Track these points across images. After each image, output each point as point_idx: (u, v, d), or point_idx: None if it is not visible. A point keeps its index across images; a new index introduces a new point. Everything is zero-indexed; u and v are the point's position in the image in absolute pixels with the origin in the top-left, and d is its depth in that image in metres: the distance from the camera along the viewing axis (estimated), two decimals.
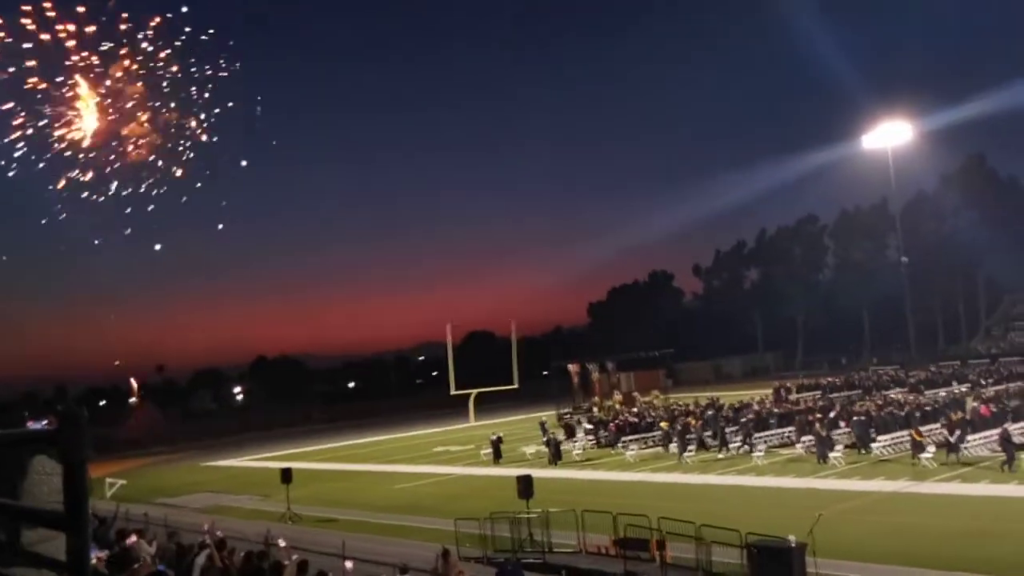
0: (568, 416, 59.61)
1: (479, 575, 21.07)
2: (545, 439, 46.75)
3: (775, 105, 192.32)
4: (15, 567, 2.13)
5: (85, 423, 1.64)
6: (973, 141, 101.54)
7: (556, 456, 43.21)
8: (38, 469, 2.73)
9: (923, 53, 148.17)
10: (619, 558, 21.23)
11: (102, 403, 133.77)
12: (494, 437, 46.70)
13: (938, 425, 35.67)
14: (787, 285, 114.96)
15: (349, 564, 17.76)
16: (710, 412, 47.74)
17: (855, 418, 38.68)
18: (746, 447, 38.90)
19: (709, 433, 43.56)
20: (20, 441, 2.62)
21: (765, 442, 39.85)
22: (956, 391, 48.99)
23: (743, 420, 42.63)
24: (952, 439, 32.56)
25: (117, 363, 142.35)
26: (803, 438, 37.67)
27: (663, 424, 45.75)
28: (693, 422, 45.31)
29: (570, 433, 50.59)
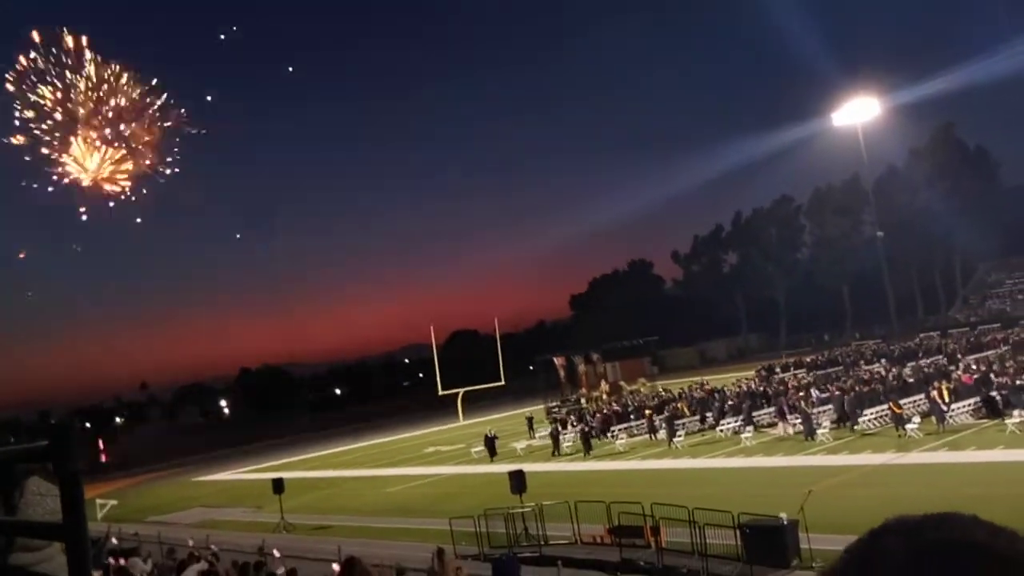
0: (556, 410, 59.73)
1: (476, 572, 21.12)
2: (551, 430, 47.19)
3: (742, 86, 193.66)
4: None
5: (77, 435, 1.68)
6: (941, 114, 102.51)
7: (556, 448, 43.54)
8: (32, 490, 2.75)
9: (889, 29, 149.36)
10: (615, 546, 21.36)
11: (87, 424, 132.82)
12: (489, 435, 46.64)
13: (922, 396, 36.03)
14: (766, 266, 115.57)
15: (336, 566, 17.75)
16: (697, 395, 48.05)
17: (838, 394, 39.00)
18: (748, 429, 38.99)
19: (698, 417, 43.90)
20: (13, 458, 2.64)
21: (753, 422, 40.12)
22: (939, 361, 49.43)
23: (738, 403, 42.93)
24: (945, 408, 32.95)
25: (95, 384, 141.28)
26: (789, 416, 37.95)
27: (647, 412, 45.92)
28: (682, 407, 45.61)
29: (562, 426, 50.71)
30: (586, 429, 44.11)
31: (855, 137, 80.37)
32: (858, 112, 76.96)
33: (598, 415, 49.18)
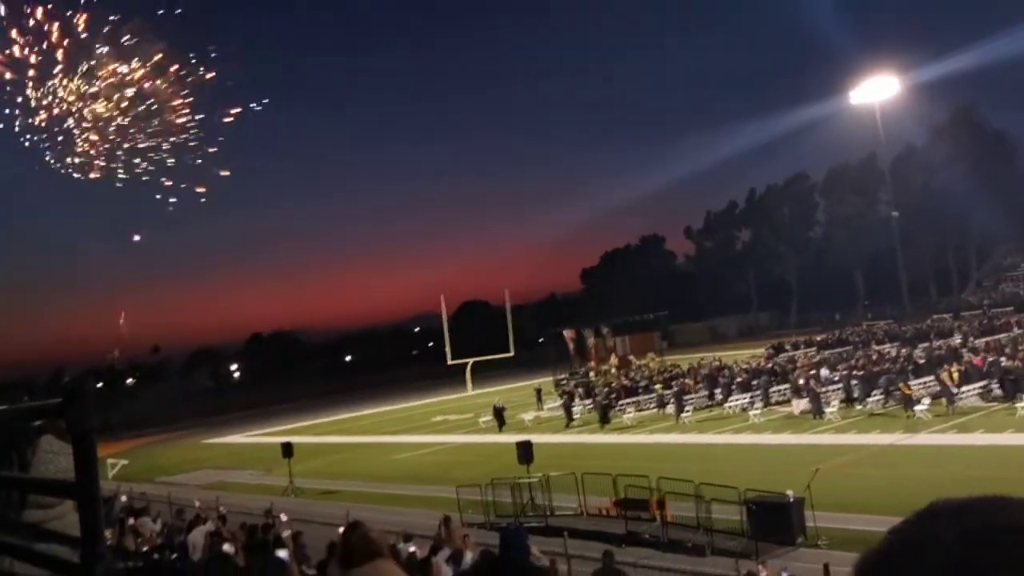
0: (565, 382, 59.82)
1: (483, 540, 21.27)
2: (563, 402, 47.35)
3: (761, 62, 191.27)
4: (26, 543, 2.17)
5: (92, 393, 1.67)
6: (961, 93, 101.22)
7: (569, 419, 43.65)
8: (45, 448, 2.76)
9: (910, 5, 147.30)
10: (620, 519, 21.46)
11: (99, 385, 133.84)
12: (498, 405, 46.74)
13: (932, 378, 35.95)
14: (778, 244, 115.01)
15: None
16: (706, 372, 48.05)
17: (847, 374, 38.95)
18: (758, 406, 39.00)
19: (706, 393, 43.96)
20: (27, 415, 2.65)
21: (762, 400, 40.15)
22: (950, 344, 49.22)
23: (747, 380, 42.95)
24: (955, 391, 32.88)
25: (117, 353, 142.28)
26: (799, 394, 37.91)
27: (657, 387, 45.95)
28: (691, 382, 45.61)
29: (570, 399, 50.80)
30: (604, 401, 44.07)
31: (873, 115, 79.74)
32: (877, 90, 76.27)
33: (615, 386, 49.04)
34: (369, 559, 6.03)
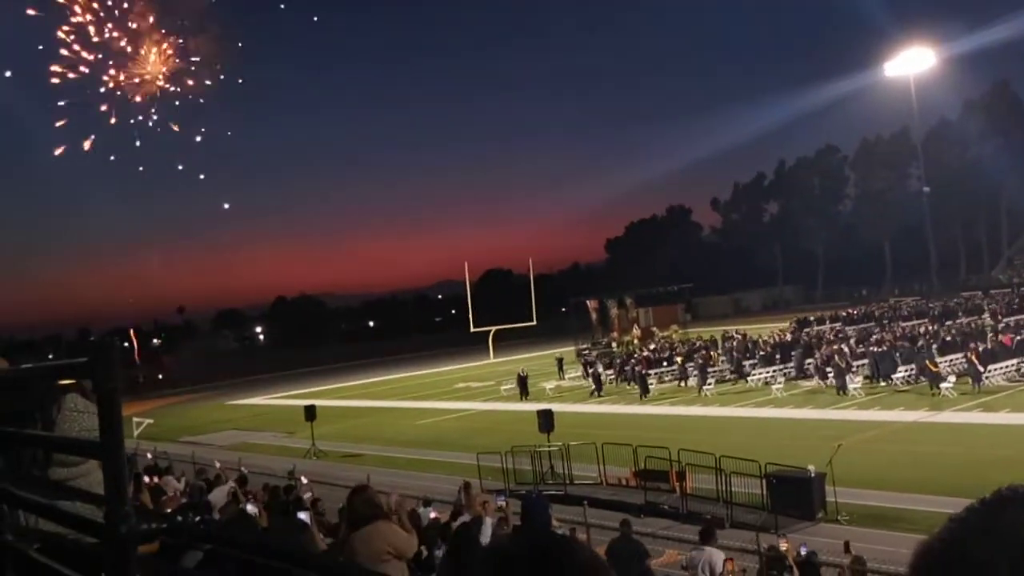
0: (587, 352, 59.85)
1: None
2: (589, 371, 47.38)
3: (795, 34, 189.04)
4: (50, 501, 2.16)
5: (117, 353, 1.64)
6: (998, 67, 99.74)
7: (599, 387, 43.60)
8: (70, 406, 2.77)
9: None
10: (639, 489, 21.50)
11: (124, 344, 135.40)
12: (522, 373, 46.78)
13: (959, 356, 35.61)
14: (807, 217, 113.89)
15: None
16: (729, 343, 47.86)
17: (872, 349, 38.65)
18: (780, 379, 38.83)
19: (729, 366, 43.81)
20: (53, 373, 2.64)
21: (796, 372, 39.98)
22: (978, 321, 48.71)
23: (771, 354, 42.74)
24: (981, 369, 32.55)
25: (131, 301, 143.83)
26: (823, 369, 37.68)
27: (678, 358, 45.82)
28: (714, 355, 45.45)
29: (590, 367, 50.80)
30: (641, 371, 43.53)
31: (907, 88, 78.45)
32: (912, 63, 74.93)
33: (638, 357, 48.76)
34: (371, 521, 6.07)
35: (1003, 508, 0.83)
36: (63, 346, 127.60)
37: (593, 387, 44.29)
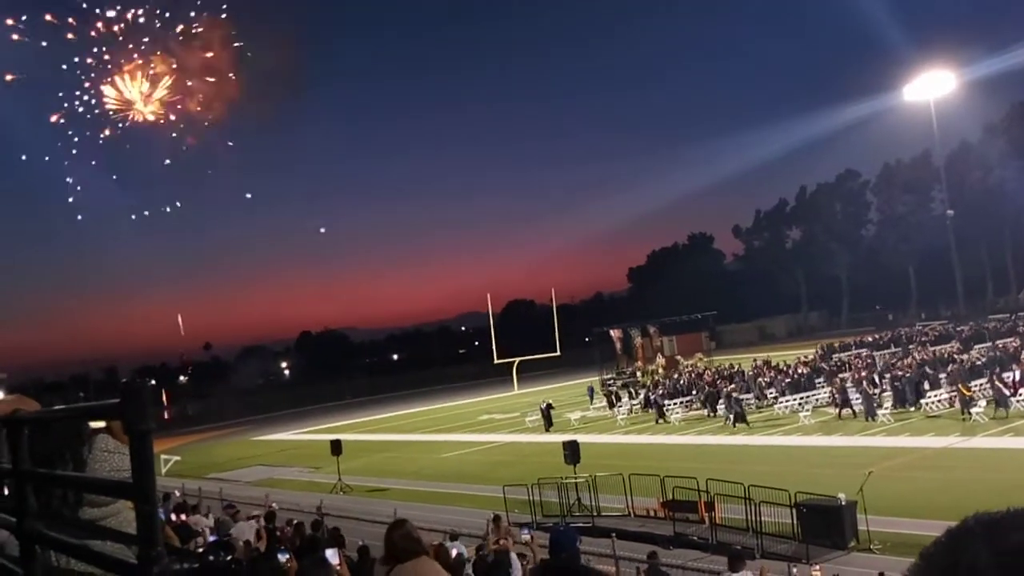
0: (611, 382, 59.57)
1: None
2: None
3: (813, 58, 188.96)
4: (82, 541, 2.19)
5: (148, 394, 1.67)
6: (1017, 89, 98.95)
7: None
8: (100, 447, 2.81)
9: (965, 1, 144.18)
10: (668, 520, 21.30)
11: (152, 382, 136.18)
12: (543, 405, 46.52)
13: (985, 380, 35.13)
14: (829, 242, 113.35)
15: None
16: (754, 373, 47.51)
17: (901, 374, 38.19)
18: (807, 407, 38.49)
19: (755, 394, 43.43)
20: (85, 414, 2.68)
21: (811, 402, 39.56)
22: (1008, 344, 48.05)
23: (797, 381, 42.33)
24: (1008, 393, 32.11)
25: (183, 355, 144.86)
26: (847, 399, 37.19)
27: (704, 387, 45.52)
28: (739, 383, 45.14)
29: (616, 399, 50.56)
30: (661, 399, 44.29)
31: (927, 112, 78.14)
32: (931, 86, 74.70)
33: (660, 386, 48.82)
34: (413, 556, 6.04)
35: (965, 541, 0.79)
36: (91, 387, 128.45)
37: (619, 417, 44.22)
